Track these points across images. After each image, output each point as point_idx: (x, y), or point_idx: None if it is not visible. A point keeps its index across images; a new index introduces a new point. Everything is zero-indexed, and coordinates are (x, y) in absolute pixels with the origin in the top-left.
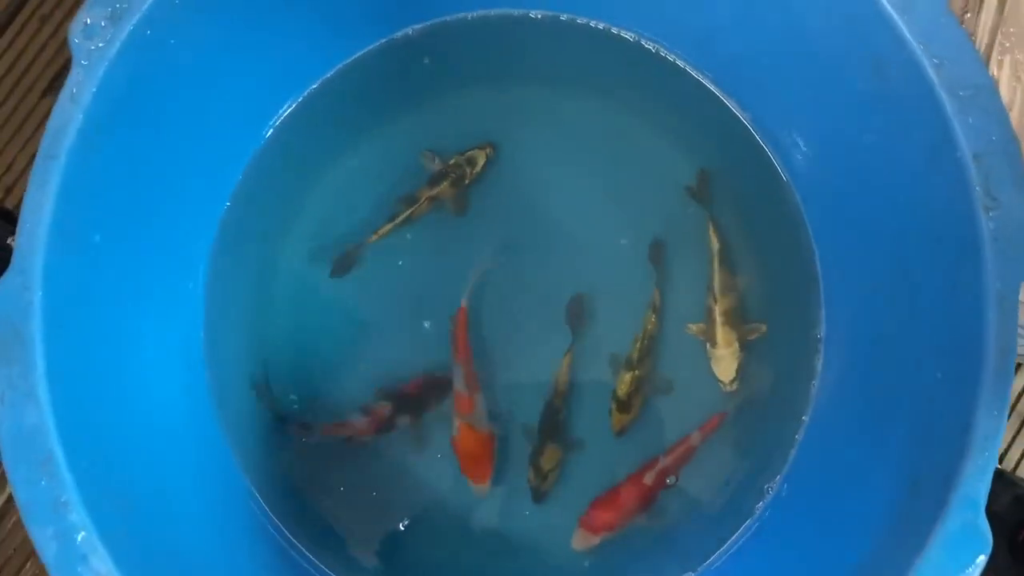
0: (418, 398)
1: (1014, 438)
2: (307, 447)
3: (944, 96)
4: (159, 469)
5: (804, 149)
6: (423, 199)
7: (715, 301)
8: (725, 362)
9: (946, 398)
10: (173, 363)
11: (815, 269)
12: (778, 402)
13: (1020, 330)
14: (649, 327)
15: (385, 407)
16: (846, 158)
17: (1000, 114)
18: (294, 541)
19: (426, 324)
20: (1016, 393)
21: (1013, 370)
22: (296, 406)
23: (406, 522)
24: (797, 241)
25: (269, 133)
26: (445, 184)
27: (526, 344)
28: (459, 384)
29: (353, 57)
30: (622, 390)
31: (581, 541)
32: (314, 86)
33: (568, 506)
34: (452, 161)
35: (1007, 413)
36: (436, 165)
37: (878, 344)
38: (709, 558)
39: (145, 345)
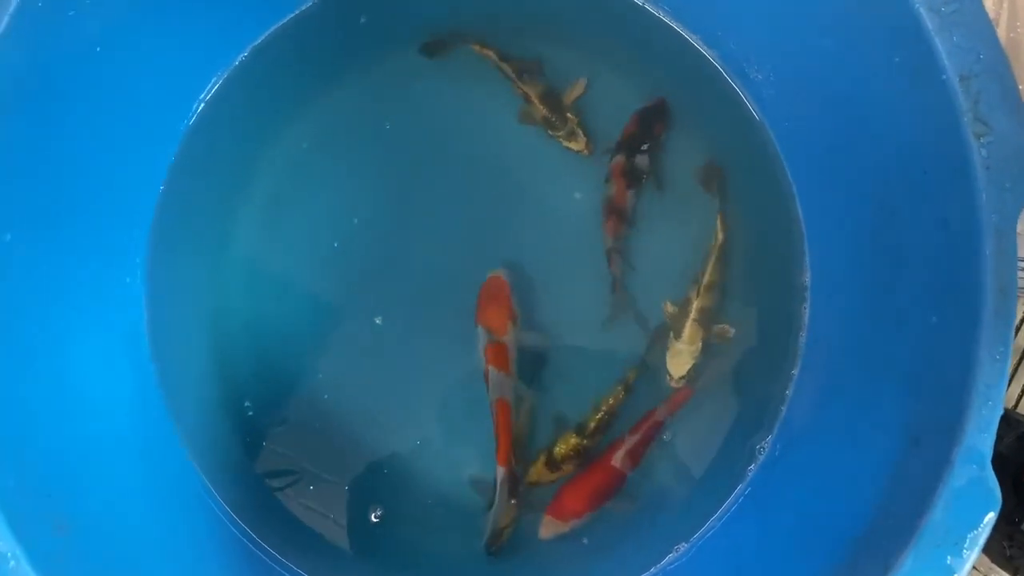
0: (639, 133)
1: (1014, 373)
2: (270, 440)
3: (924, 13)
4: (105, 479)
5: (775, 83)
6: (524, 88)
7: (697, 295)
8: (681, 358)
9: (944, 344)
10: (116, 364)
11: (796, 211)
12: (765, 356)
13: (1020, 263)
14: (613, 401)
15: (618, 160)
16: (820, 89)
17: (986, 30)
18: (259, 541)
19: (377, 320)
20: (1015, 326)
21: (1015, 310)
22: (251, 413)
23: (379, 512)
24: (775, 183)
25: (200, 107)
26: (543, 110)
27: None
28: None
29: (284, 20)
30: (561, 450)
31: (549, 529)
32: (244, 54)
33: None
34: (568, 115)
35: (1010, 358)
36: (567, 99)
37: (867, 289)
38: (701, 527)
39: (81, 348)
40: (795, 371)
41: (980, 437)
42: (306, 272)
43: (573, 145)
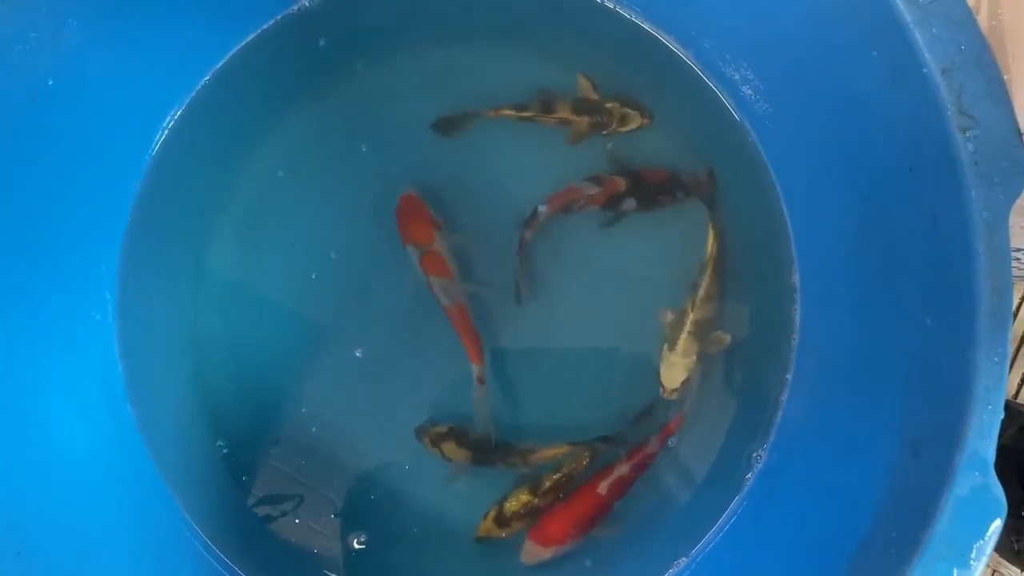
0: (653, 188)
1: (1012, 362)
2: (254, 475)
3: (902, 4)
4: (84, 529)
5: (753, 82)
6: (557, 115)
7: (692, 307)
8: (675, 370)
9: (940, 347)
10: (90, 405)
11: (782, 211)
12: (758, 360)
13: (1015, 253)
14: (575, 466)
15: (620, 182)
16: (800, 88)
17: (967, 20)
18: None
19: (358, 353)
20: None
21: (1011, 309)
22: (234, 447)
23: (363, 539)
24: (759, 184)
25: (164, 135)
26: (585, 118)
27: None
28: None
29: (245, 41)
30: (511, 506)
31: (531, 555)
32: (206, 78)
33: None
34: (608, 104)
35: (1009, 358)
36: (591, 94)
37: (858, 290)
38: (700, 540)
39: (51, 392)
40: (789, 375)
41: (982, 443)
42: (284, 301)
43: (632, 125)
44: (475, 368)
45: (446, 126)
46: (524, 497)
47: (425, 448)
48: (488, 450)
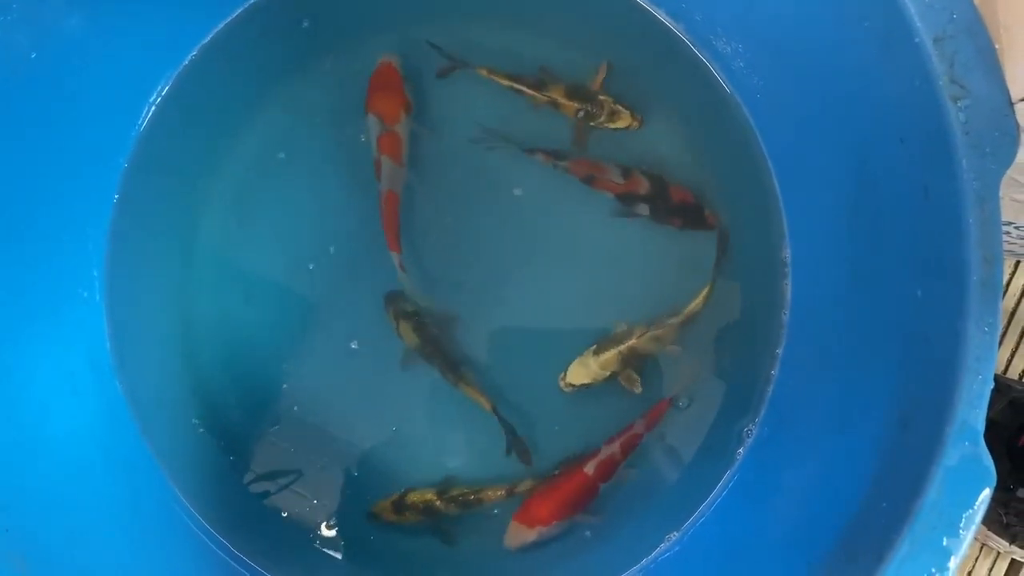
0: (672, 205)
1: (1002, 337)
2: (247, 453)
3: None
4: (74, 507)
5: (744, 55)
6: (548, 94)
7: (639, 338)
8: (583, 372)
9: (930, 318)
10: (79, 383)
11: (773, 185)
12: (749, 335)
13: (1005, 227)
14: (490, 494)
15: (644, 184)
16: (791, 60)
17: None
18: (243, 558)
19: (353, 345)
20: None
21: (1001, 280)
22: (215, 427)
23: (352, 513)
24: (750, 157)
25: (151, 111)
26: (574, 104)
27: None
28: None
29: (234, 15)
30: (413, 499)
31: (515, 537)
32: (193, 53)
33: None
34: (602, 97)
35: (1000, 329)
36: (594, 85)
37: (849, 263)
38: (692, 515)
39: (38, 369)
40: (780, 350)
41: (972, 412)
42: (275, 280)
43: (620, 123)
44: (395, 256)
45: (443, 71)
46: (429, 495)
47: (387, 317)
48: (432, 345)
